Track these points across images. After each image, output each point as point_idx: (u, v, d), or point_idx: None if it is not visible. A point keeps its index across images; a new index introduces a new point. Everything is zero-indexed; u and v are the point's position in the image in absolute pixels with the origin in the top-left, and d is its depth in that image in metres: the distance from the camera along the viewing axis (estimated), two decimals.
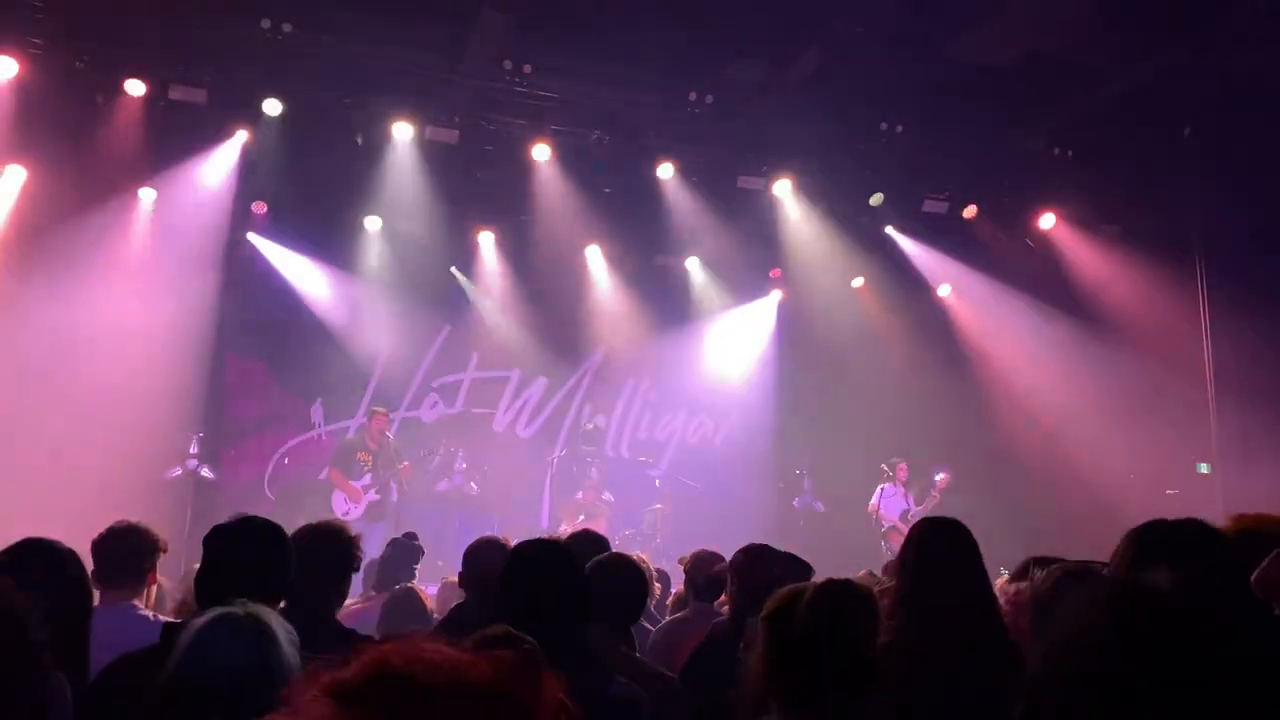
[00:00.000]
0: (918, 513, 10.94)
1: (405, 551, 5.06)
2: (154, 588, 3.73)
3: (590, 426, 12.41)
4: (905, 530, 10.50)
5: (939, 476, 11.10)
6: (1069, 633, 1.20)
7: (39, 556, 2.89)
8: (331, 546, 3.26)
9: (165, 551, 3.70)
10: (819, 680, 2.13)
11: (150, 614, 3.52)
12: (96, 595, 3.43)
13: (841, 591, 2.24)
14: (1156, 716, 1.09)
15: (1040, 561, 3.07)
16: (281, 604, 2.74)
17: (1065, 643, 1.19)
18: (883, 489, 11.23)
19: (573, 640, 2.61)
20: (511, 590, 2.80)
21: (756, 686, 2.20)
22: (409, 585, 4.54)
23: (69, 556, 2.97)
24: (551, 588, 2.75)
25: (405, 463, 10.05)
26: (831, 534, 11.30)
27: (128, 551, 3.55)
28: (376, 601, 4.63)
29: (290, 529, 3.40)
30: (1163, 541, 2.02)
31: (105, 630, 2.97)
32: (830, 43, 9.01)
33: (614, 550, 3.92)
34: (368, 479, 9.95)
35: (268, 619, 1.94)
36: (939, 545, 3.14)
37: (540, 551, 2.95)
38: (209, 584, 2.72)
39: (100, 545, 3.55)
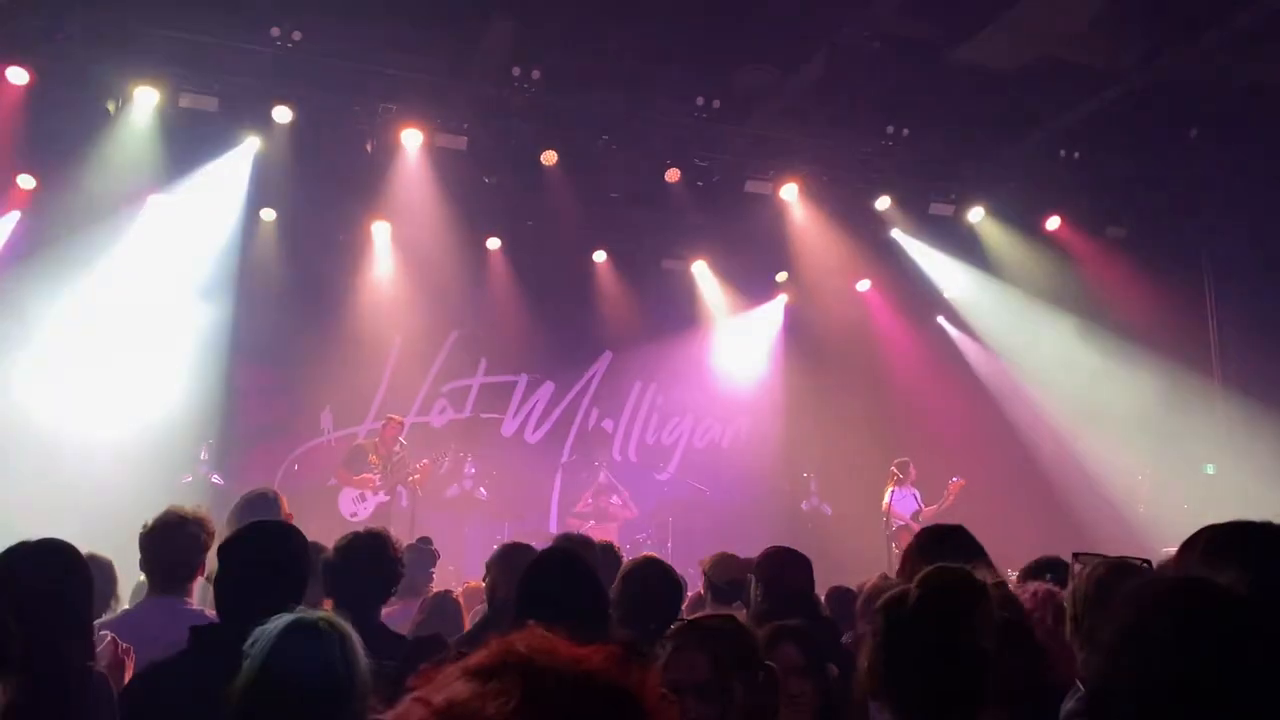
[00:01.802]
0: (929, 513, 10.95)
1: (421, 557, 5.09)
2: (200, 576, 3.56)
3: (597, 431, 12.44)
4: (916, 529, 10.56)
5: (954, 480, 11.08)
6: (1142, 633, 1.17)
7: (53, 555, 2.84)
8: (375, 553, 3.28)
9: (214, 536, 3.57)
10: (939, 671, 1.98)
11: (197, 608, 3.46)
12: (145, 589, 3.43)
13: (959, 576, 2.10)
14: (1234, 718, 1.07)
15: (1079, 557, 3.09)
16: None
17: (1138, 643, 1.17)
18: (893, 490, 11.22)
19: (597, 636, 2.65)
20: (532, 596, 2.85)
21: (870, 686, 2.07)
22: (444, 590, 4.57)
23: (75, 554, 2.91)
24: (572, 591, 2.81)
25: (424, 460, 10.08)
26: (839, 537, 11.31)
27: (178, 546, 3.43)
28: (397, 607, 4.66)
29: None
30: (1233, 543, 1.94)
31: (156, 626, 2.96)
32: (837, 48, 9.05)
33: (624, 554, 3.96)
34: (377, 480, 9.98)
35: (343, 625, 1.97)
36: (943, 551, 3.17)
37: (558, 560, 3.02)
38: (230, 593, 2.74)
39: (150, 539, 3.44)
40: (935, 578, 2.07)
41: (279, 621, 1.98)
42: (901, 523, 10.98)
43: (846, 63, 9.18)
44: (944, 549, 3.22)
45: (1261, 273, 10.57)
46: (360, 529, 3.48)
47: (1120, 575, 2.52)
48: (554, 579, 2.91)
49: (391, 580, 3.34)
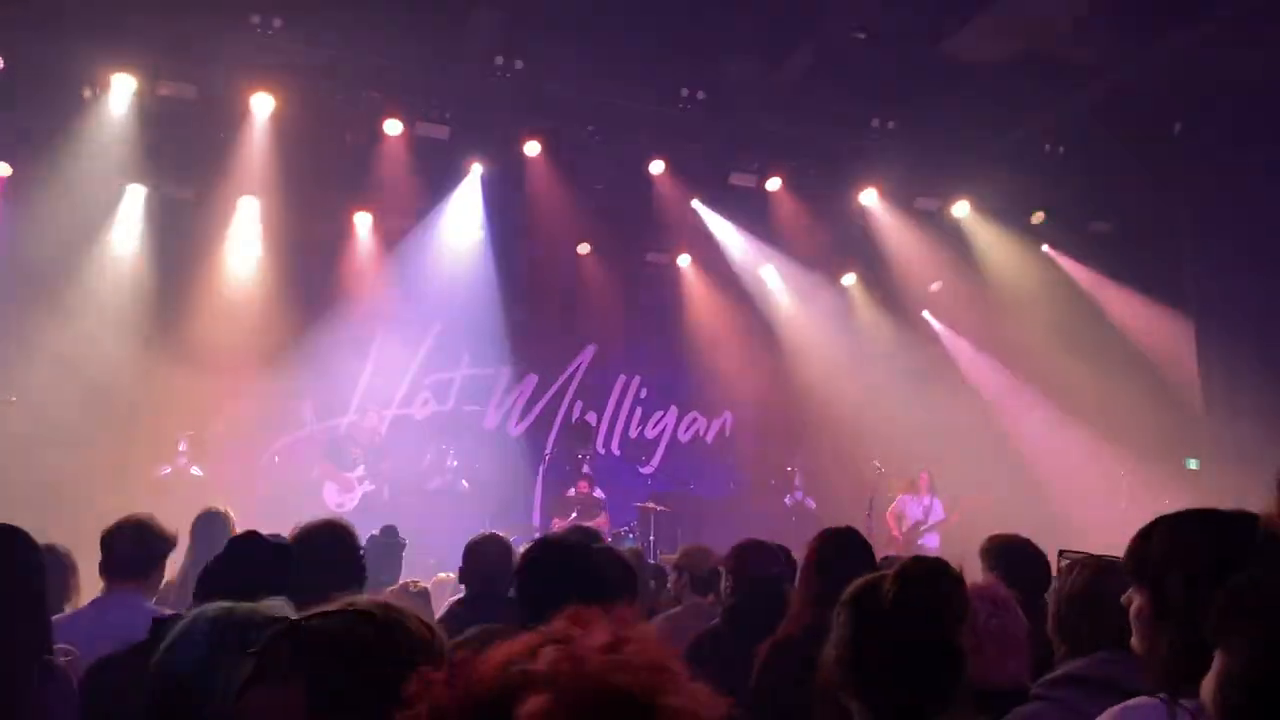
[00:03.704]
0: (940, 517, 10.97)
1: (385, 549, 4.95)
2: (160, 581, 3.67)
3: (581, 424, 12.38)
4: (900, 542, 10.56)
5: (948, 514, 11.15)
6: None
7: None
8: (334, 546, 3.23)
9: (174, 546, 3.67)
10: (913, 664, 1.91)
11: (155, 607, 3.47)
12: (103, 586, 3.43)
13: (936, 568, 2.03)
14: None
15: (1064, 554, 3.07)
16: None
17: None
18: (903, 498, 11.24)
19: None
20: (527, 588, 2.81)
21: (837, 678, 1.99)
22: (408, 582, 4.48)
23: (25, 540, 2.78)
24: (568, 584, 2.77)
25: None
26: None
27: (137, 545, 3.51)
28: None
29: (281, 528, 3.39)
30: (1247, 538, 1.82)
31: (111, 622, 2.93)
32: (823, 39, 9.02)
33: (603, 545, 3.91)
34: (361, 470, 9.90)
35: (239, 613, 1.89)
36: (830, 551, 3.17)
37: (552, 552, 2.97)
38: (204, 585, 2.70)
39: (110, 538, 3.51)
40: (913, 568, 2.02)
41: (191, 613, 1.94)
42: (893, 533, 11.01)
43: (832, 55, 9.16)
44: (845, 554, 3.20)
45: (1245, 267, 10.58)
46: (317, 519, 3.42)
47: (1106, 575, 2.50)
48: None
49: (354, 571, 3.27)
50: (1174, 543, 1.80)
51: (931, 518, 11.10)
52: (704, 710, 0.80)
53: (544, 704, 0.76)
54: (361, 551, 3.33)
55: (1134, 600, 1.83)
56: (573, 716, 0.76)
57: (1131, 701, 1.70)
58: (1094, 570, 2.55)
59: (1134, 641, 1.85)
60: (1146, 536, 1.84)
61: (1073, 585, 2.51)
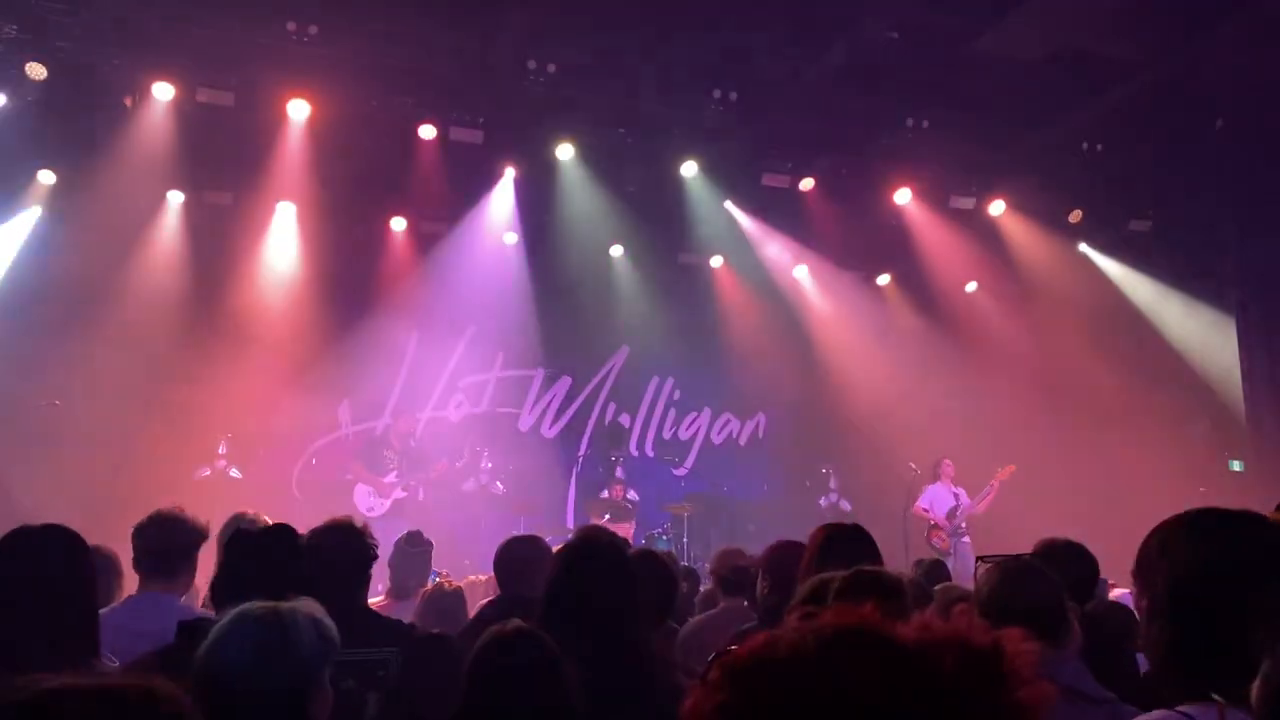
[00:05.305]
0: (969, 506, 10.80)
1: (411, 556, 4.93)
2: (194, 575, 3.57)
3: (615, 426, 12.40)
4: (947, 527, 10.38)
5: (1000, 468, 10.91)
6: None
7: (54, 543, 2.67)
8: (346, 541, 3.26)
9: (206, 537, 3.59)
10: None
11: (186, 605, 3.46)
12: (136, 583, 3.43)
13: (874, 578, 2.10)
14: None
15: (982, 559, 3.08)
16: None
17: None
18: (929, 489, 11.08)
19: (631, 637, 2.64)
20: (561, 588, 2.81)
21: None
22: (442, 584, 4.49)
23: (79, 543, 2.76)
24: (606, 588, 2.78)
25: (442, 461, 10.07)
26: None
27: (165, 538, 3.42)
28: (389, 605, 4.58)
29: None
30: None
31: (141, 623, 2.95)
32: (855, 38, 8.95)
33: (639, 549, 3.93)
34: (394, 476, 9.98)
35: (284, 614, 1.93)
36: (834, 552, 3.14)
37: (590, 554, 2.97)
38: (221, 586, 2.73)
39: (139, 532, 3.43)
40: (856, 578, 2.04)
41: (227, 614, 1.97)
42: (932, 522, 10.86)
43: (865, 54, 9.08)
44: (833, 550, 3.18)
45: None
46: (329, 520, 3.46)
47: (1016, 577, 2.51)
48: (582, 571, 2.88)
49: (364, 564, 3.32)
50: (1164, 542, 1.78)
51: (962, 505, 10.94)
52: (1028, 650, 0.92)
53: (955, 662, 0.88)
54: (373, 554, 3.37)
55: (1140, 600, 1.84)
56: (976, 667, 0.88)
57: (1186, 707, 1.69)
58: (1004, 572, 2.56)
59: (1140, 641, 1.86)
60: (1149, 537, 1.84)
61: (985, 589, 2.50)
